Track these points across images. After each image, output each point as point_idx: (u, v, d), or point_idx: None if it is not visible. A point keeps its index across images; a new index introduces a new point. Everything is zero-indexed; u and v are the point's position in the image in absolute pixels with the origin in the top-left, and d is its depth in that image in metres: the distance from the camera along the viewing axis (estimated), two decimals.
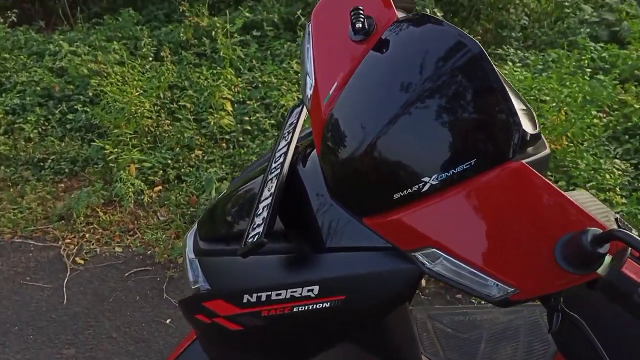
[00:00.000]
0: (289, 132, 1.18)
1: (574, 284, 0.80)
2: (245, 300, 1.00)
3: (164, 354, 2.28)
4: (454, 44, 0.83)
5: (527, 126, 0.85)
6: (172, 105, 3.81)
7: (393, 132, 0.85)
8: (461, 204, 0.83)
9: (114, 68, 3.97)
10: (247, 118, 3.56)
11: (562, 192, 0.80)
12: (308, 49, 1.05)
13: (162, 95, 3.79)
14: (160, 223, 2.97)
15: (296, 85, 3.80)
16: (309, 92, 1.03)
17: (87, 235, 2.93)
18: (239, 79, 3.86)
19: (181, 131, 3.45)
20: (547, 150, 0.93)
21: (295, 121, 1.21)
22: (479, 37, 4.50)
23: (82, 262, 2.77)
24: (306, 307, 0.97)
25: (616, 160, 2.92)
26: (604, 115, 3.35)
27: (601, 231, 0.75)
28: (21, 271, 2.74)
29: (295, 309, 0.98)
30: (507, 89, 0.81)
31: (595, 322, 0.90)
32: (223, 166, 3.23)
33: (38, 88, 3.99)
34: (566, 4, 4.84)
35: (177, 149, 3.41)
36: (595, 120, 3.19)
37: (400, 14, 0.98)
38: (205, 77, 4.00)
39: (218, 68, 3.99)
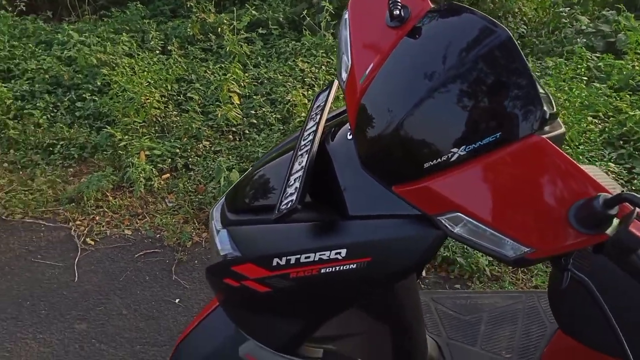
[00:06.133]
0: (316, 114, 1.28)
1: (585, 244, 0.90)
2: (274, 264, 1.09)
3: (173, 331, 2.36)
4: (484, 29, 0.93)
5: (546, 106, 0.95)
6: (179, 97, 3.91)
7: (425, 108, 0.94)
8: (485, 172, 0.92)
9: (122, 59, 4.05)
10: (253, 112, 3.66)
11: (578, 164, 0.90)
12: (345, 34, 1.14)
13: (169, 87, 3.88)
14: (169, 209, 3.05)
15: (301, 83, 3.90)
16: (345, 73, 1.12)
17: (97, 218, 3.00)
18: (246, 75, 3.95)
19: (189, 122, 3.54)
20: (563, 129, 1.03)
21: (322, 104, 1.31)
22: None
23: (92, 242, 2.85)
24: (333, 268, 1.06)
25: (610, 164, 3.05)
26: (600, 122, 3.49)
27: (611, 195, 0.85)
28: (33, 250, 2.80)
29: (322, 270, 1.06)
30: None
31: (603, 288, 1.00)
32: (230, 157, 3.32)
33: (47, 76, 4.06)
34: (563, 14, 4.99)
35: (185, 139, 3.50)
36: (591, 126, 3.32)
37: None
38: (212, 72, 4.09)
39: (225, 63, 4.08)
